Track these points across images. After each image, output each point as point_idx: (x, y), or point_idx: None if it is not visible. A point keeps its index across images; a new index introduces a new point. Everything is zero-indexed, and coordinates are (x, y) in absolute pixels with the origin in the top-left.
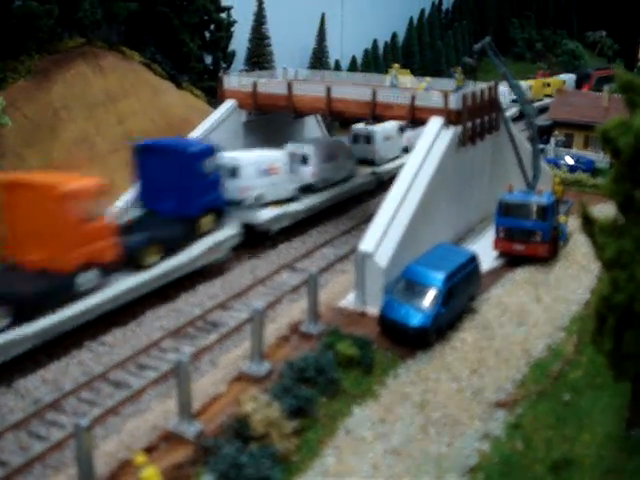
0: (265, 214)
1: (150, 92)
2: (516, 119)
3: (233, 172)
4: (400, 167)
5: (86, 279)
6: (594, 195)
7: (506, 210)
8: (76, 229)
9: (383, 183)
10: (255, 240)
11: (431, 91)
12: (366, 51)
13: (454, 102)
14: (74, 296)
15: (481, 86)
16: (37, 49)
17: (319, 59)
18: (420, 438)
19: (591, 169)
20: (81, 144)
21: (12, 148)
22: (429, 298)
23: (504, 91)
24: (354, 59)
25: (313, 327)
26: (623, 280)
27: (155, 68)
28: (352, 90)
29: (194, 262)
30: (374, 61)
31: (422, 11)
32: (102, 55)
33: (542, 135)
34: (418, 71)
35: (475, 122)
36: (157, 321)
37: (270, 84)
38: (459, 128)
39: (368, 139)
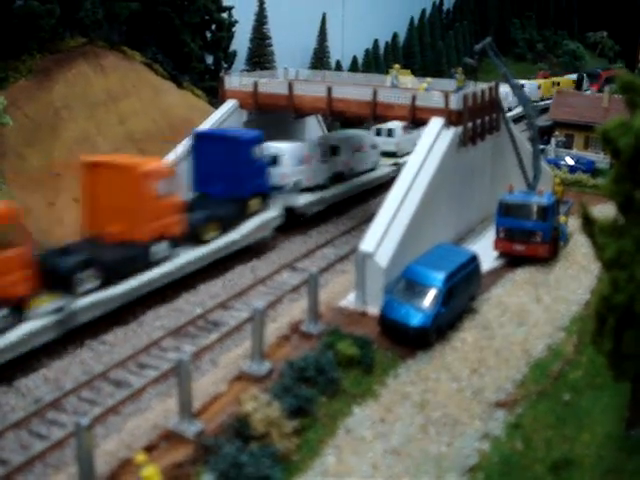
0: (303, 199)
1: (151, 92)
2: (517, 120)
3: (275, 160)
4: None
5: (159, 250)
6: (594, 195)
7: (506, 210)
8: (152, 205)
9: None
10: (294, 222)
11: (432, 91)
12: (367, 51)
13: (455, 102)
14: (149, 264)
15: (482, 86)
16: (38, 49)
17: (320, 59)
18: (420, 438)
19: (591, 169)
20: (82, 144)
21: (13, 147)
22: (429, 298)
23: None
24: (355, 59)
25: (313, 327)
26: (623, 280)
27: (156, 68)
28: (353, 90)
29: (245, 239)
30: (375, 61)
31: (423, 11)
32: (103, 55)
33: (542, 136)
34: (419, 71)
35: (476, 122)
36: (158, 320)
37: (271, 84)
38: (460, 128)
39: (390, 133)
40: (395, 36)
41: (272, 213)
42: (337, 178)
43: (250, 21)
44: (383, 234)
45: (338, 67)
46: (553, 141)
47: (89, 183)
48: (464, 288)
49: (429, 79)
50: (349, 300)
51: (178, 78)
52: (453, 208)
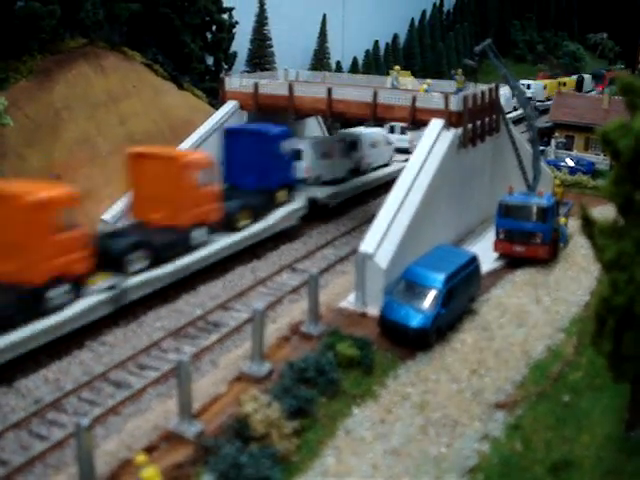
0: (325, 191)
1: (151, 93)
2: (517, 121)
3: (299, 155)
4: None
5: (199, 235)
6: (594, 197)
7: (506, 212)
8: (193, 193)
9: None
10: (318, 212)
11: (432, 93)
12: (367, 52)
13: (455, 104)
14: (189, 248)
15: (482, 88)
16: (39, 49)
17: (320, 60)
18: (420, 439)
19: (591, 171)
20: (82, 144)
21: (13, 148)
22: (429, 299)
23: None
24: (355, 60)
25: (313, 328)
26: (623, 282)
27: (157, 69)
28: (353, 91)
29: (274, 227)
30: (375, 62)
31: (423, 12)
32: (104, 55)
33: (542, 137)
34: (419, 73)
35: (476, 124)
36: (158, 321)
37: (271, 85)
38: (460, 130)
39: (403, 130)
40: (395, 37)
41: (297, 204)
42: (355, 172)
43: (250, 22)
44: (383, 235)
45: (338, 68)
46: (553, 142)
47: (135, 172)
48: (464, 289)
49: (429, 80)
50: (349, 301)
51: (178, 79)
52: (453, 209)
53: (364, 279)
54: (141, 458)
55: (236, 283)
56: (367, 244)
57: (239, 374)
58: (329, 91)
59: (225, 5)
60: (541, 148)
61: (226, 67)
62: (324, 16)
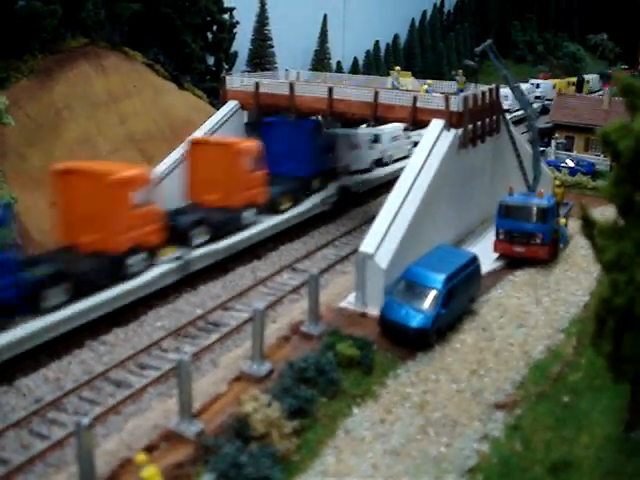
0: (354, 179)
1: (152, 92)
2: (517, 122)
3: (331, 145)
4: None
5: (249, 215)
6: (594, 198)
7: (506, 212)
8: (244, 177)
9: None
10: (348, 199)
11: (432, 93)
12: (368, 53)
13: (455, 104)
14: (241, 227)
15: (482, 88)
16: (40, 49)
17: (321, 60)
18: (419, 438)
19: (591, 172)
20: (83, 144)
21: (14, 147)
22: (429, 299)
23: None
24: (356, 60)
25: (314, 327)
26: (623, 283)
27: (157, 69)
28: (354, 91)
29: (310, 211)
30: (375, 63)
31: (424, 13)
32: (105, 55)
33: (543, 138)
34: (419, 73)
35: (476, 124)
36: (158, 321)
37: (272, 85)
38: (460, 130)
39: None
40: (396, 38)
41: (330, 191)
42: (378, 163)
43: (251, 22)
44: (383, 235)
45: (339, 68)
46: (553, 143)
47: (193, 159)
48: (464, 289)
49: (429, 81)
50: (349, 301)
51: (179, 79)
52: (453, 209)
53: (364, 279)
54: (141, 457)
55: (237, 283)
56: (367, 244)
57: (239, 374)
58: (330, 91)
59: (226, 5)
60: (541, 149)
61: (227, 67)
62: (325, 16)
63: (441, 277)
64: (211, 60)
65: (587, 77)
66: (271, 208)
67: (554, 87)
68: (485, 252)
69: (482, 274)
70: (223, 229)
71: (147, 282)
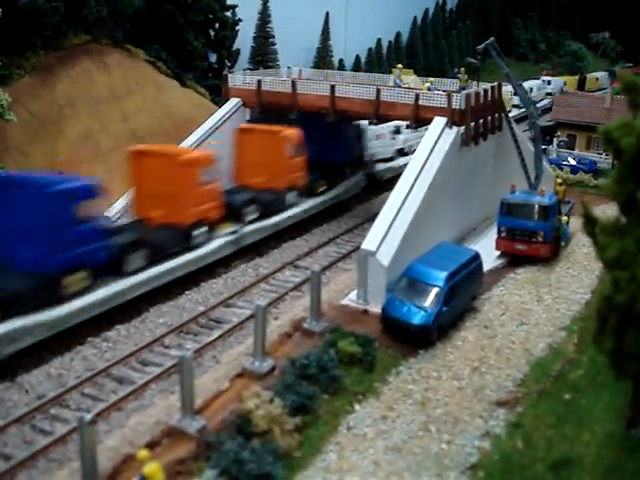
0: (379, 167)
1: (154, 90)
2: (519, 120)
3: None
4: None
5: (291, 197)
6: (596, 196)
7: (508, 210)
8: (287, 162)
9: None
10: (374, 184)
11: (435, 91)
12: (370, 50)
13: (457, 102)
14: (284, 207)
15: (484, 86)
16: (42, 46)
17: (323, 58)
18: (421, 435)
19: (593, 170)
20: (85, 141)
21: (16, 144)
22: (431, 297)
23: (534, 85)
24: (358, 58)
25: (315, 324)
26: (624, 280)
27: (160, 66)
28: (356, 89)
29: (345, 194)
30: (378, 60)
31: (426, 11)
32: (107, 52)
33: (545, 136)
34: (422, 71)
35: (478, 122)
36: (160, 317)
37: (274, 82)
38: (462, 128)
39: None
40: (398, 35)
41: (359, 177)
42: (399, 152)
43: (254, 20)
44: (385, 233)
45: (341, 66)
46: (555, 141)
47: (241, 144)
48: (466, 287)
49: (431, 79)
50: (351, 298)
51: (181, 76)
52: (455, 207)
53: (366, 276)
54: (143, 453)
55: (238, 280)
56: (369, 241)
57: (241, 370)
58: (332, 89)
59: (228, 3)
60: (543, 147)
61: (229, 64)
62: (327, 14)
63: (443, 275)
64: (213, 58)
65: (597, 75)
66: (309, 191)
67: (565, 84)
68: (487, 250)
69: (484, 271)
70: (270, 208)
71: (208, 252)
